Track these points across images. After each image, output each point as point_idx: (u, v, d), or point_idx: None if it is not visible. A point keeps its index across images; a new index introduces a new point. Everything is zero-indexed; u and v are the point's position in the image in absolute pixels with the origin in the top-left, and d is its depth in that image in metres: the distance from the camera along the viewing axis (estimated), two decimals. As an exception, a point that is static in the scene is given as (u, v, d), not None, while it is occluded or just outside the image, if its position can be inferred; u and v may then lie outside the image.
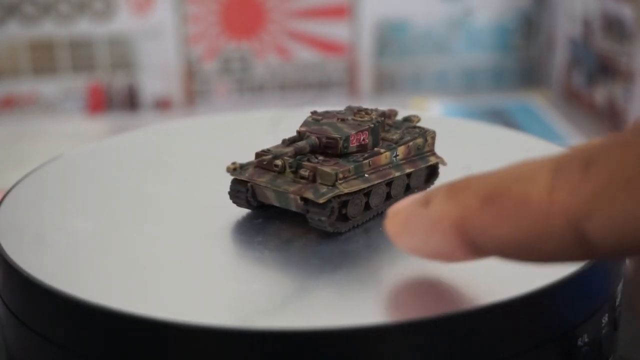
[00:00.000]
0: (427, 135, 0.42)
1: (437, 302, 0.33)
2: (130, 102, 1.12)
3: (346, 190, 0.37)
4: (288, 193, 0.37)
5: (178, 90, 1.12)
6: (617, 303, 0.38)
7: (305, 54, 1.14)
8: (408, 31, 1.14)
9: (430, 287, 0.35)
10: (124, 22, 1.09)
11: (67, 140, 1.01)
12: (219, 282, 0.36)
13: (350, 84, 1.15)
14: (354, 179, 0.38)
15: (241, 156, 0.48)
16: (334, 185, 0.37)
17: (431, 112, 1.07)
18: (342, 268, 0.36)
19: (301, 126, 0.39)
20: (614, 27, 0.98)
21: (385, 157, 0.39)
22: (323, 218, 0.37)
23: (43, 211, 0.41)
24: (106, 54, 1.10)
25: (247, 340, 0.31)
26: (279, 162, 0.37)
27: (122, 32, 1.09)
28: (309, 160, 0.38)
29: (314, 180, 0.37)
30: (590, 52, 1.04)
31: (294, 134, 0.41)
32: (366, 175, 0.38)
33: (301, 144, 0.38)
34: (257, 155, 0.38)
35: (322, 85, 1.15)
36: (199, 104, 1.13)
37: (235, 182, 0.39)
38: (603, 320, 0.36)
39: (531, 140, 0.50)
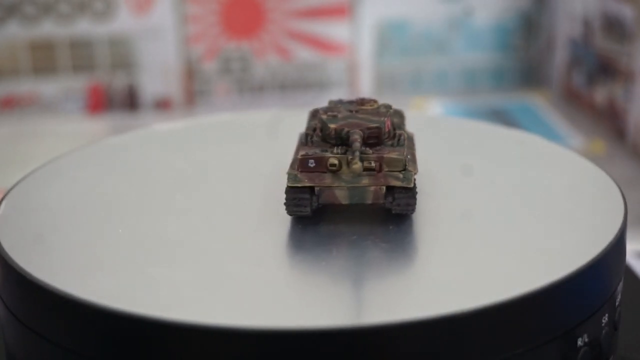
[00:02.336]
0: (403, 114, 0.43)
1: (438, 302, 0.33)
2: (130, 102, 1.12)
3: (416, 172, 0.38)
4: (368, 186, 0.37)
5: (178, 90, 1.12)
6: (617, 303, 0.38)
7: (305, 54, 1.14)
8: (408, 31, 1.14)
9: (430, 287, 0.35)
10: (124, 22, 1.09)
11: (67, 140, 1.01)
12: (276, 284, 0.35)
13: (350, 84, 1.15)
14: (408, 160, 0.39)
15: (244, 157, 0.48)
16: (405, 170, 0.38)
17: (431, 112, 1.07)
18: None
19: (330, 123, 0.39)
20: (614, 27, 0.98)
21: (405, 138, 0.40)
22: (412, 201, 0.38)
23: (43, 211, 0.41)
24: (106, 54, 1.10)
25: (252, 340, 0.31)
26: (335, 160, 0.37)
27: (122, 32, 1.09)
28: (361, 152, 0.38)
29: (380, 170, 0.37)
30: (590, 52, 1.04)
31: (295, 133, 0.41)
32: (408, 156, 0.39)
33: (358, 138, 0.38)
34: (302, 160, 0.38)
35: (322, 85, 1.15)
36: (199, 104, 1.13)
37: (294, 191, 0.38)
38: (603, 320, 0.36)
39: (532, 139, 0.50)
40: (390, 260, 0.37)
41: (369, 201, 0.38)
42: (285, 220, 0.39)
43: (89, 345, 0.33)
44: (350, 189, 0.37)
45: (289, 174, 0.38)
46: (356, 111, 0.40)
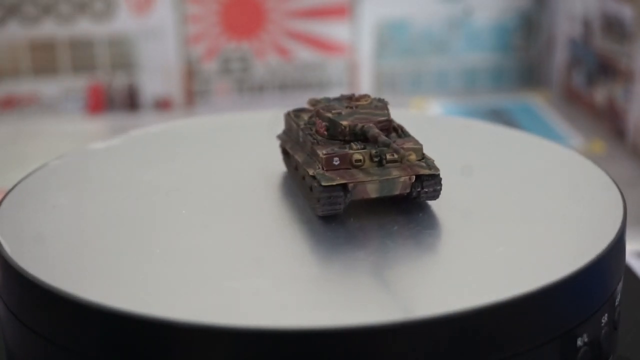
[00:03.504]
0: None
1: (438, 302, 0.33)
2: (130, 102, 1.12)
3: (432, 158, 0.39)
4: (399, 177, 0.38)
5: (178, 90, 1.12)
6: (616, 303, 0.38)
7: (305, 54, 1.14)
8: (408, 31, 1.14)
9: (429, 287, 0.35)
10: (124, 22, 1.09)
11: (67, 140, 1.01)
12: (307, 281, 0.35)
13: (350, 84, 1.15)
14: None
15: (245, 157, 0.48)
16: (424, 157, 0.39)
17: (431, 112, 1.07)
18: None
19: (341, 120, 0.39)
20: (614, 27, 0.98)
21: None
22: (438, 187, 0.39)
23: (43, 211, 0.41)
24: (106, 54, 1.10)
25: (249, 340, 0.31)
26: (360, 156, 0.38)
27: (122, 32, 1.09)
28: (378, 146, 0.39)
29: (401, 161, 0.38)
30: (590, 52, 1.04)
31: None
32: None
33: (379, 132, 0.38)
34: (328, 158, 0.38)
35: (322, 85, 1.15)
36: (199, 104, 1.13)
37: (329, 189, 0.38)
38: (603, 320, 0.36)
39: (531, 139, 0.50)
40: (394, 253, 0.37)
41: (397, 192, 0.38)
42: (307, 220, 0.39)
43: (89, 345, 0.33)
44: (381, 182, 0.38)
45: (317, 174, 0.38)
46: (355, 107, 0.40)
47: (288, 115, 0.44)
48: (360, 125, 0.39)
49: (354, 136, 0.39)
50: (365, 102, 0.41)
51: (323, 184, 0.38)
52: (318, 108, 0.41)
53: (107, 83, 1.11)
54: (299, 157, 0.40)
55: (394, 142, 0.39)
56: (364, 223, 0.39)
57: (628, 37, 0.95)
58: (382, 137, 0.38)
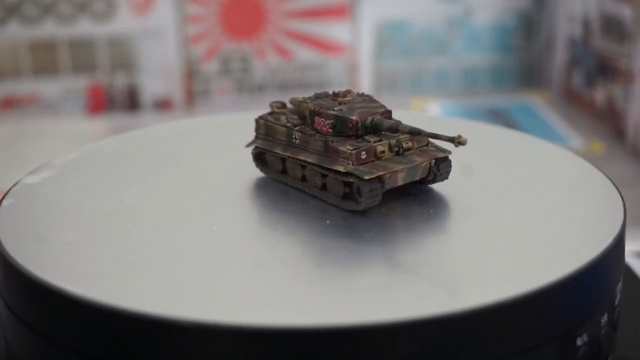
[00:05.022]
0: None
1: (437, 302, 0.33)
2: (130, 102, 1.12)
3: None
4: (421, 164, 0.40)
5: (178, 90, 1.12)
6: (616, 303, 0.38)
7: (305, 54, 1.14)
8: (408, 31, 1.14)
9: (428, 287, 0.35)
10: (124, 22, 1.09)
11: (67, 140, 1.01)
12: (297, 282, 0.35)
13: (350, 84, 1.15)
14: None
15: (243, 158, 0.48)
16: (429, 142, 0.41)
17: (431, 112, 1.07)
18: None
19: (350, 116, 0.40)
20: (613, 27, 0.98)
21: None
22: (450, 168, 0.41)
23: (43, 210, 0.41)
24: (106, 54, 1.10)
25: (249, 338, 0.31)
26: (383, 147, 0.39)
27: (123, 33, 1.09)
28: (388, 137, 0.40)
29: (412, 147, 0.40)
30: (589, 52, 1.04)
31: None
32: None
33: (396, 122, 0.39)
34: (357, 153, 0.39)
35: (322, 85, 1.15)
36: (199, 104, 1.13)
37: (369, 183, 0.38)
38: (602, 320, 0.36)
39: (531, 140, 0.51)
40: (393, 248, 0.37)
41: (418, 177, 0.40)
42: (311, 220, 0.39)
43: (89, 343, 0.33)
44: (409, 169, 0.39)
45: (351, 169, 0.38)
46: (347, 103, 0.41)
47: (265, 120, 0.43)
48: (370, 118, 0.39)
49: (364, 130, 0.40)
50: (349, 97, 0.41)
51: (365, 177, 0.38)
52: (315, 108, 0.40)
53: (107, 83, 1.11)
54: (304, 157, 0.40)
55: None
56: (391, 216, 0.39)
57: (627, 37, 0.95)
58: (407, 126, 0.39)
